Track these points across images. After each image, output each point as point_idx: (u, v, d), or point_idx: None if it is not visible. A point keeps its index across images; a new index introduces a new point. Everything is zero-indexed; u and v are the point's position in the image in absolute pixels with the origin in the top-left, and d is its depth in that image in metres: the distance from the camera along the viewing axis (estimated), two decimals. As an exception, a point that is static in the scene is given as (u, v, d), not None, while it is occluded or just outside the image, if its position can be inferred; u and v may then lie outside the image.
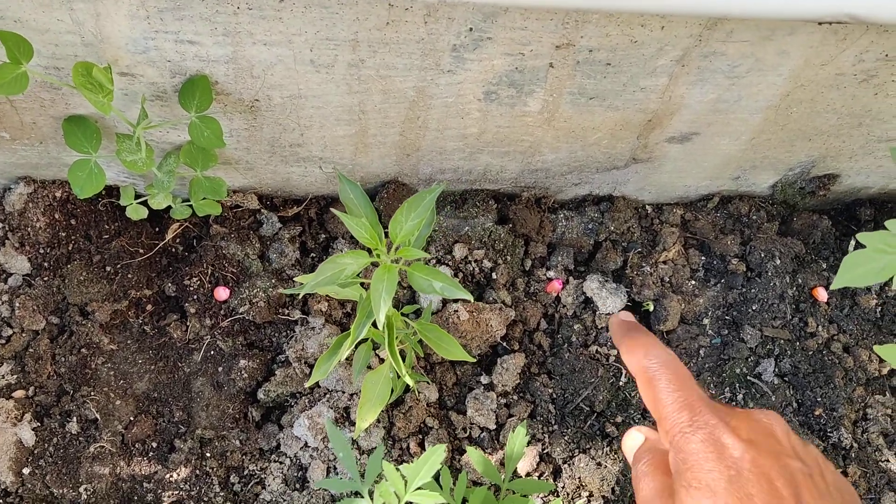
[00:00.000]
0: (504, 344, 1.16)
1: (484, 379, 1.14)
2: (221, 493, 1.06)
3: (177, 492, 1.05)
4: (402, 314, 0.96)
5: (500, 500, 0.96)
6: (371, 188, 1.19)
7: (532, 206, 1.23)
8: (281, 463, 1.08)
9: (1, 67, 0.77)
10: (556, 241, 1.24)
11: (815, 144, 1.14)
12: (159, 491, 1.05)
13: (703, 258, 1.25)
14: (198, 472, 1.07)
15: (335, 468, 1.07)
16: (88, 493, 1.04)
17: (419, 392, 1.11)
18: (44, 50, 0.82)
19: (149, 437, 1.09)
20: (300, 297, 1.14)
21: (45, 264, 1.11)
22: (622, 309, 1.19)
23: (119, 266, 1.12)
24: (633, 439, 0.70)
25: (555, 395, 1.14)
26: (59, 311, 1.12)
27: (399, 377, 0.97)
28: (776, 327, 1.20)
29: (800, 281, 1.23)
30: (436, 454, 0.84)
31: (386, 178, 1.17)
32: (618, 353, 1.15)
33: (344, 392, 1.10)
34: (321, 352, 1.10)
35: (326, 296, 1.14)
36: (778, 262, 1.21)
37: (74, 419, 1.07)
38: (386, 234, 0.79)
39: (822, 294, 1.23)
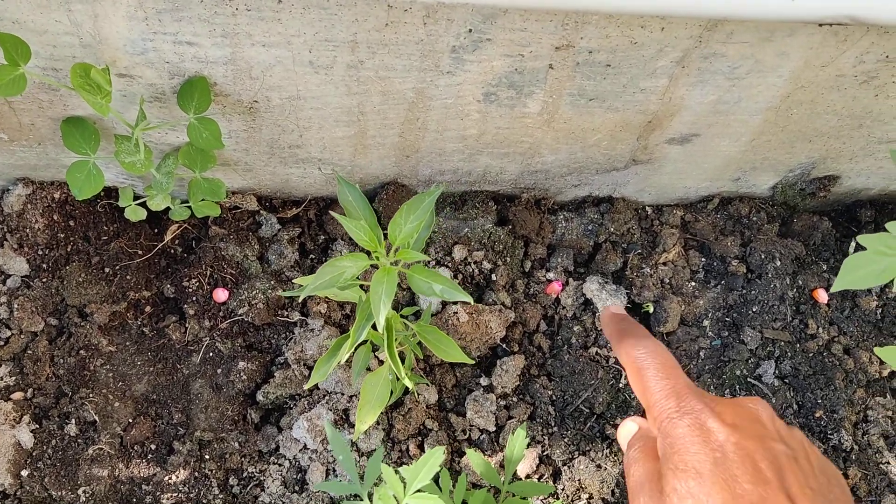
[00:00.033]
0: (504, 346, 1.16)
1: (483, 381, 1.14)
2: (220, 496, 1.06)
3: (176, 494, 1.05)
4: (402, 316, 0.96)
5: (499, 503, 0.95)
6: (370, 189, 1.19)
7: (532, 208, 1.22)
8: (280, 465, 1.08)
9: (-1, 69, 0.77)
10: (556, 243, 1.24)
11: (815, 146, 1.13)
12: (158, 493, 1.05)
13: (703, 260, 1.25)
14: (197, 474, 1.06)
15: (334, 470, 1.07)
16: (87, 495, 1.04)
17: (418, 394, 1.11)
18: (42, 51, 0.82)
19: (147, 439, 1.08)
20: (299, 298, 1.14)
21: (44, 266, 1.11)
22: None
23: (118, 267, 1.12)
24: (628, 429, 0.71)
25: (554, 397, 1.14)
26: (57, 313, 1.11)
27: (398, 379, 0.96)
28: (776, 329, 1.20)
29: (800, 282, 1.23)
30: (435, 456, 0.84)
31: (385, 180, 1.17)
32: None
33: (343, 394, 1.10)
34: (320, 353, 1.10)
35: (325, 297, 1.13)
36: (778, 263, 1.21)
37: (73, 421, 1.07)
38: (385, 236, 0.79)
39: (822, 296, 1.23)
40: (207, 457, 1.08)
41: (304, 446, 1.07)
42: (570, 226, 1.23)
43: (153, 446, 1.08)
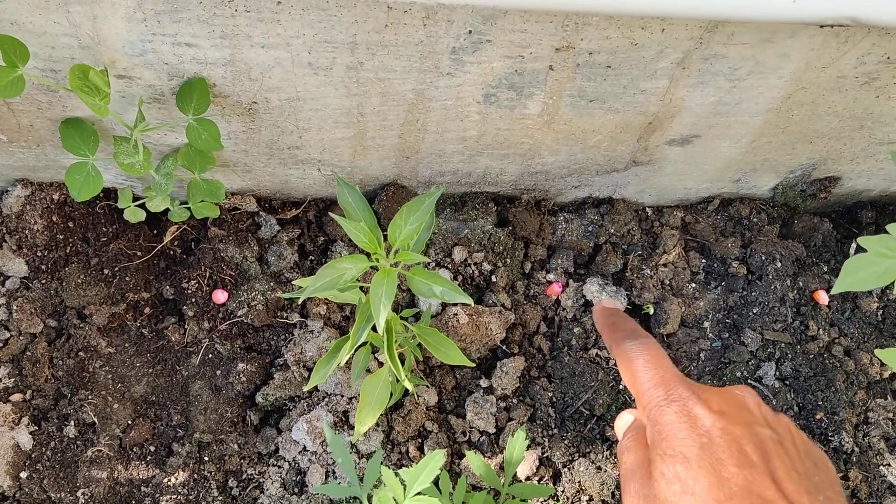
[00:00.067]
0: (504, 347, 1.16)
1: (483, 382, 1.14)
2: (220, 498, 1.06)
3: (175, 496, 1.05)
4: (402, 318, 0.96)
5: (499, 505, 0.95)
6: (370, 190, 1.19)
7: (532, 209, 1.22)
8: (279, 467, 1.08)
9: (-3, 70, 0.76)
10: (556, 244, 1.24)
11: (816, 147, 1.13)
12: (157, 495, 1.05)
13: (703, 261, 1.25)
14: (196, 476, 1.06)
15: (334, 472, 1.06)
16: (86, 497, 1.03)
17: (418, 396, 1.10)
18: (40, 52, 0.82)
19: (146, 441, 1.08)
20: (299, 300, 1.14)
21: (43, 267, 1.10)
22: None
23: (117, 269, 1.12)
24: (624, 420, 0.72)
25: (554, 399, 1.14)
26: (56, 314, 1.11)
27: (398, 381, 0.96)
28: (777, 330, 1.20)
29: (801, 284, 1.23)
30: (435, 459, 0.83)
31: (385, 181, 1.17)
32: None
33: (343, 396, 1.10)
34: (320, 355, 1.10)
35: (325, 299, 1.13)
36: (779, 264, 1.21)
37: (72, 423, 1.06)
38: (385, 238, 0.79)
39: (823, 297, 1.22)
40: (206, 459, 1.07)
41: (304, 448, 1.07)
42: (570, 227, 1.23)
43: (152, 448, 1.08)
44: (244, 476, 1.08)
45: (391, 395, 0.97)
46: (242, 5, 0.76)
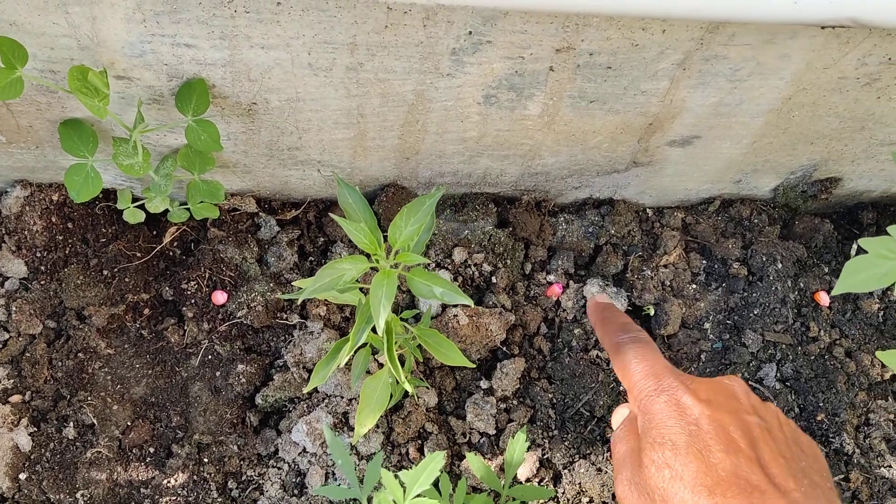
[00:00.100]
0: (504, 348, 1.16)
1: (484, 384, 1.14)
2: (219, 499, 1.06)
3: (174, 497, 1.05)
4: (402, 319, 0.96)
5: (499, 507, 0.95)
6: (370, 191, 1.18)
7: (532, 210, 1.22)
8: (279, 468, 1.08)
9: (-4, 71, 0.76)
10: (557, 245, 1.23)
11: (816, 148, 1.13)
12: (157, 496, 1.05)
13: (704, 262, 1.25)
14: (195, 477, 1.06)
15: (334, 474, 1.06)
16: (85, 498, 1.03)
17: (418, 397, 1.10)
18: (39, 53, 0.81)
19: (146, 443, 1.08)
20: (298, 301, 1.13)
21: (42, 268, 1.10)
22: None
23: (116, 270, 1.12)
24: (620, 415, 0.75)
25: (555, 400, 1.13)
26: (55, 315, 1.11)
27: (398, 382, 0.96)
28: (778, 332, 1.19)
29: (801, 285, 1.23)
30: (435, 461, 0.83)
31: (385, 182, 1.16)
32: None
33: (342, 397, 1.09)
34: (320, 356, 1.09)
35: (325, 300, 1.13)
36: (779, 266, 1.21)
37: (71, 424, 1.06)
38: (385, 239, 0.79)
39: (824, 298, 1.22)
40: (206, 460, 1.07)
41: (304, 450, 1.07)
42: (570, 228, 1.23)
43: (151, 449, 1.08)
44: (244, 477, 1.08)
45: (391, 396, 0.96)
46: (242, 6, 0.76)
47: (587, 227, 1.24)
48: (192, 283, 1.11)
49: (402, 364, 0.99)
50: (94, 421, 1.06)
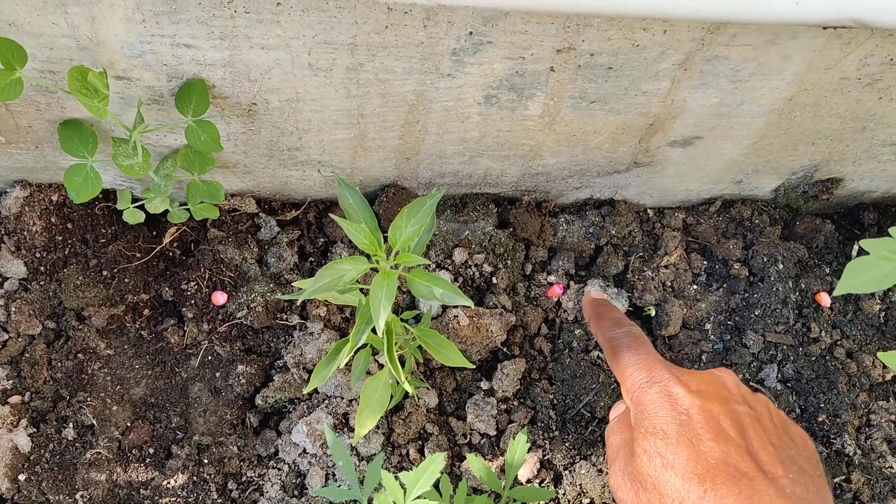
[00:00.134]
0: (504, 349, 1.15)
1: (484, 384, 1.13)
2: (219, 500, 1.05)
3: (174, 498, 1.04)
4: (402, 319, 0.96)
5: (500, 508, 0.95)
6: (370, 192, 1.18)
7: (533, 210, 1.22)
8: (279, 469, 1.07)
9: (-5, 72, 0.76)
10: (557, 246, 1.23)
11: (818, 148, 1.13)
12: (156, 497, 1.04)
13: (705, 263, 1.25)
14: (195, 478, 1.06)
15: (334, 475, 1.06)
16: (85, 499, 1.03)
17: (419, 398, 1.10)
18: (39, 54, 0.81)
19: (146, 444, 1.08)
20: (298, 302, 1.13)
21: (42, 268, 1.10)
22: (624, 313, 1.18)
23: (116, 270, 1.12)
24: (617, 410, 0.77)
25: (556, 401, 1.13)
26: (55, 316, 1.11)
27: (398, 383, 0.96)
28: (779, 332, 1.19)
29: (803, 286, 1.22)
30: (435, 463, 0.83)
31: (385, 182, 1.16)
32: None
33: (343, 398, 1.09)
34: (320, 357, 1.09)
35: (325, 300, 1.13)
36: (781, 266, 1.20)
37: (71, 425, 1.06)
38: (385, 239, 0.78)
39: (825, 299, 1.22)
40: (206, 461, 1.07)
41: (304, 451, 1.07)
42: (571, 228, 1.23)
43: (151, 450, 1.08)
44: (244, 478, 1.08)
45: (391, 397, 0.96)
46: (242, 6, 0.76)
47: (588, 227, 1.23)
48: (192, 283, 1.11)
49: (403, 365, 0.99)
50: (94, 422, 1.06)
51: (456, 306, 1.12)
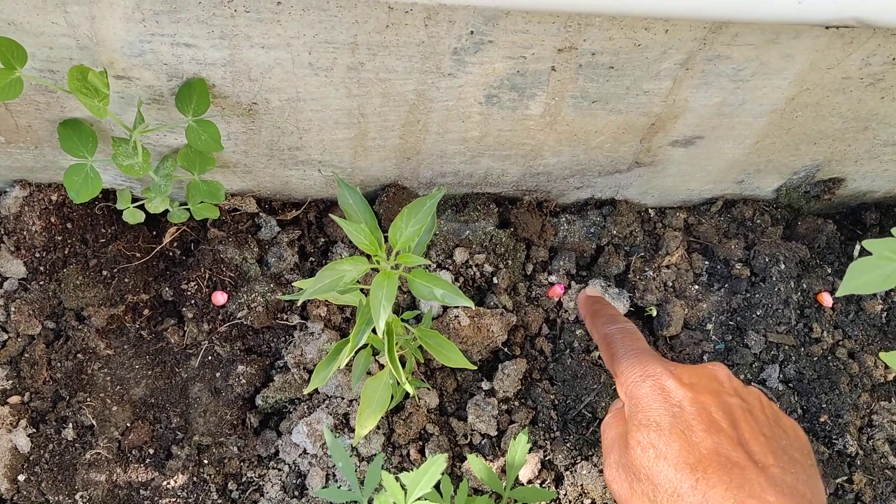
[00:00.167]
0: (505, 349, 1.15)
1: (485, 385, 1.13)
2: (219, 501, 1.05)
3: (174, 499, 1.04)
4: (402, 320, 0.95)
5: (500, 509, 0.94)
6: (371, 191, 1.18)
7: (533, 210, 1.22)
8: (279, 470, 1.07)
9: (-5, 72, 0.76)
10: (558, 246, 1.23)
11: (820, 148, 1.12)
12: (156, 498, 1.04)
13: (706, 263, 1.24)
14: (195, 478, 1.05)
15: (334, 475, 1.06)
16: (84, 500, 1.03)
17: (419, 398, 1.10)
18: (38, 53, 0.81)
19: (146, 444, 1.07)
20: (299, 302, 1.13)
21: (41, 268, 1.10)
22: (624, 314, 1.18)
23: (116, 270, 1.11)
24: (616, 406, 0.77)
25: (557, 402, 1.13)
26: (55, 316, 1.10)
27: (399, 383, 0.95)
28: (781, 333, 1.19)
29: (804, 286, 1.22)
30: (436, 464, 0.83)
31: (386, 182, 1.16)
32: None
33: (343, 398, 1.09)
34: (320, 357, 1.09)
35: (325, 300, 1.12)
36: (782, 266, 1.20)
37: (70, 425, 1.06)
38: (386, 239, 0.78)
39: (827, 299, 1.22)
40: (206, 461, 1.07)
41: (304, 451, 1.07)
42: (572, 228, 1.22)
43: (151, 451, 1.07)
44: (244, 479, 1.07)
45: (392, 397, 0.96)
46: (242, 5, 0.76)
47: (589, 227, 1.23)
48: (192, 283, 1.11)
49: (403, 365, 0.99)
50: (94, 422, 1.06)
51: (457, 306, 1.12)
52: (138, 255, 1.13)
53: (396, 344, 0.86)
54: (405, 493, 0.83)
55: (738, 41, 0.86)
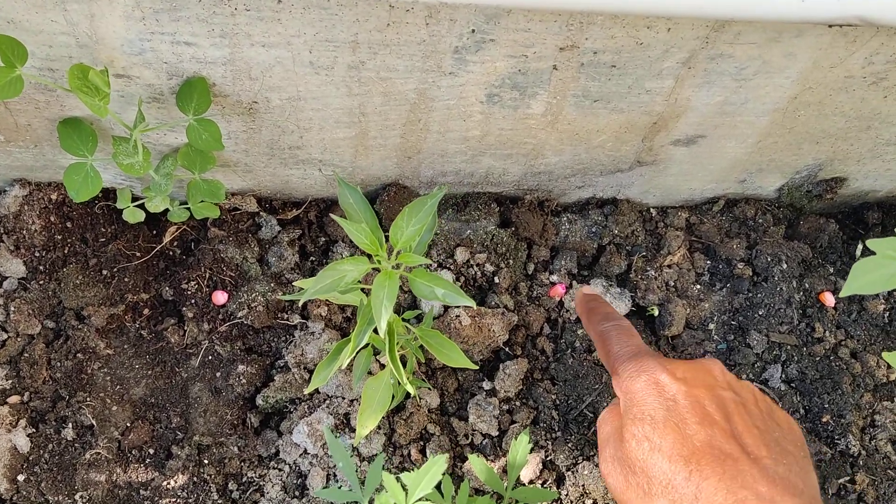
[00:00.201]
0: (506, 349, 1.15)
1: (486, 385, 1.13)
2: (220, 501, 1.05)
3: (174, 499, 1.04)
4: (404, 319, 0.95)
5: (502, 510, 0.94)
6: (372, 191, 1.18)
7: (535, 210, 1.21)
8: (280, 470, 1.07)
9: (-6, 70, 0.75)
10: (560, 245, 1.23)
11: (822, 147, 1.12)
12: (156, 498, 1.04)
13: (708, 262, 1.24)
14: (195, 479, 1.05)
15: (335, 475, 1.05)
16: (84, 500, 1.02)
17: (420, 398, 1.09)
18: (38, 51, 0.81)
19: (146, 444, 1.07)
20: (299, 302, 1.12)
21: (41, 268, 1.09)
22: (626, 314, 1.18)
23: (116, 270, 1.11)
24: (615, 404, 0.77)
25: (558, 402, 1.13)
26: (54, 316, 1.10)
27: (400, 383, 0.95)
28: (783, 333, 1.18)
29: (807, 285, 1.22)
30: (437, 465, 0.82)
31: (387, 181, 1.16)
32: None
33: (344, 398, 1.09)
34: (321, 357, 1.09)
35: (326, 300, 1.12)
36: (784, 266, 1.20)
37: (70, 425, 1.05)
38: (387, 239, 0.78)
39: (829, 299, 1.21)
40: (206, 461, 1.06)
41: (305, 451, 1.06)
42: (573, 228, 1.22)
43: (151, 451, 1.07)
44: (244, 479, 1.07)
45: (393, 397, 0.96)
46: (242, 4, 0.75)
47: (590, 226, 1.23)
48: (193, 283, 1.10)
49: (404, 365, 0.98)
50: (94, 422, 1.06)
51: (458, 306, 1.12)
52: (138, 254, 1.13)
53: (397, 344, 0.85)
54: (406, 493, 0.83)
55: (740, 40, 0.85)
